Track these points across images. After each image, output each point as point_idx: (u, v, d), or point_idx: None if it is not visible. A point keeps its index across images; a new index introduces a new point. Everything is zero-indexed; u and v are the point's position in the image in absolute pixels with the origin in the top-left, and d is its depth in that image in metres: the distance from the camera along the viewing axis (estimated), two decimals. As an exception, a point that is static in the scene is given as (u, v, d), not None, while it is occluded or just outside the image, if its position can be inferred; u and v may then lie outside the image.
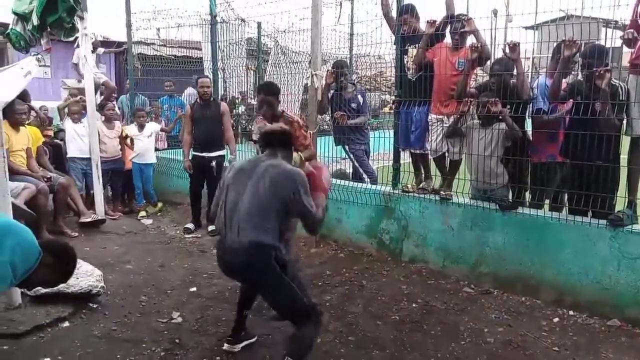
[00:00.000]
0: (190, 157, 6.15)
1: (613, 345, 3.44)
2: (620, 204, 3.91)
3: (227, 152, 6.24)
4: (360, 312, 3.92)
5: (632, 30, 3.85)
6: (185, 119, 6.25)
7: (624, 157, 3.98)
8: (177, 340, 3.44)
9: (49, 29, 5.50)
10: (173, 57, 9.19)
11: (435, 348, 3.40)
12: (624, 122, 3.93)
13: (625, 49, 4.09)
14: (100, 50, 9.13)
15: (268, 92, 4.34)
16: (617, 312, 3.73)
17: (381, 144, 5.44)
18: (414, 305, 4.05)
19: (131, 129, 6.79)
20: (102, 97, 7.73)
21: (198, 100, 6.17)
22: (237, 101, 9.05)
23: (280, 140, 3.09)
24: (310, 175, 3.08)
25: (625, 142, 3.99)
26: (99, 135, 6.20)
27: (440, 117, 4.74)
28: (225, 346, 3.33)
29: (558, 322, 3.78)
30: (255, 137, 4.37)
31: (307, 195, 2.85)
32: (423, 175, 5.08)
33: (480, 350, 3.39)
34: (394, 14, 5.01)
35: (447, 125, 4.65)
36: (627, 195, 3.86)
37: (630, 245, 3.68)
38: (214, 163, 6.03)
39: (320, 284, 4.44)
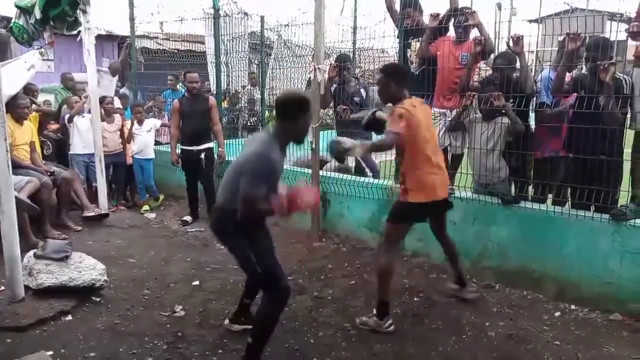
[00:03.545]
0: (178, 151, 6.17)
1: (615, 339, 3.43)
2: (624, 198, 3.90)
3: (215, 145, 6.25)
4: (362, 305, 3.93)
5: (637, 23, 3.83)
6: (173, 113, 6.26)
7: (627, 152, 3.97)
8: (179, 334, 3.46)
9: (51, 23, 5.49)
10: (176, 51, 9.20)
11: (437, 342, 3.40)
12: (628, 115, 3.92)
13: (630, 42, 4.07)
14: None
15: (384, 72, 3.61)
16: (619, 307, 3.72)
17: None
18: (415, 299, 4.06)
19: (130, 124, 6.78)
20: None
21: (186, 94, 6.20)
22: (239, 95, 9.02)
23: (286, 110, 2.86)
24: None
25: (629, 136, 3.98)
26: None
27: (443, 110, 4.72)
28: (226, 322, 3.55)
29: (560, 316, 3.78)
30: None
31: (250, 178, 2.75)
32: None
33: (481, 344, 3.39)
34: (397, 7, 4.99)
35: (450, 119, 4.64)
36: (630, 190, 3.85)
37: (632, 240, 3.66)
38: (202, 155, 6.08)
39: (322, 277, 4.46)
